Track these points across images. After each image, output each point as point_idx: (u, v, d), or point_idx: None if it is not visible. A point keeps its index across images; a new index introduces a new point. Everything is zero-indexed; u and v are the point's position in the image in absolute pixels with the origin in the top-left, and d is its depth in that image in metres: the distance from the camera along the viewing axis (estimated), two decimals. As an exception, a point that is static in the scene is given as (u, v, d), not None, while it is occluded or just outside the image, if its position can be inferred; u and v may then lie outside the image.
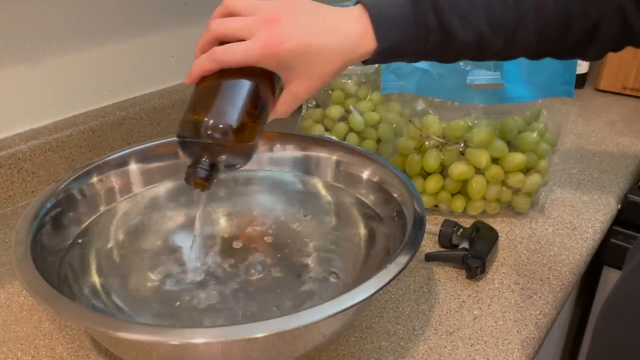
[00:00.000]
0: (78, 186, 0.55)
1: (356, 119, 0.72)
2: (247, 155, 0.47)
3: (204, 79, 0.46)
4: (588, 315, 0.85)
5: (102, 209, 0.56)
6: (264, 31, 0.44)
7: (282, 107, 0.48)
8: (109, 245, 0.55)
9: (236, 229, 0.61)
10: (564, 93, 0.64)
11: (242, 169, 0.62)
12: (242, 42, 0.44)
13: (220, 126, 0.43)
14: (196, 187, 0.45)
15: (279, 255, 0.58)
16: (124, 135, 0.78)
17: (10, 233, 0.65)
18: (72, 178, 0.54)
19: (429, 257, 0.59)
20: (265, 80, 0.46)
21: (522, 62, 0.62)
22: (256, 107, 0.45)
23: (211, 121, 0.43)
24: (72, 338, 0.50)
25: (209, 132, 0.43)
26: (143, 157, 0.60)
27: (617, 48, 0.51)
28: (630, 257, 0.48)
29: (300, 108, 0.78)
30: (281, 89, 0.48)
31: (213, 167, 0.45)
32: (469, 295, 0.55)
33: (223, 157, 0.45)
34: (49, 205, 0.51)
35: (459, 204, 0.66)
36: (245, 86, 0.45)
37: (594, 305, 0.83)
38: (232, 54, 0.44)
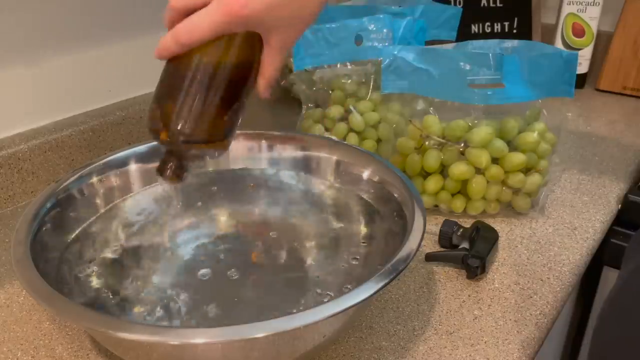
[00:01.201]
0: (78, 186, 0.55)
1: (356, 119, 0.72)
2: (222, 150, 0.44)
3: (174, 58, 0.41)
4: (588, 315, 0.85)
5: (102, 209, 0.56)
6: None
7: (268, 69, 0.42)
8: (109, 246, 0.55)
9: (237, 229, 0.61)
10: (564, 93, 0.64)
11: (242, 169, 0.63)
12: (202, 11, 0.38)
13: (187, 133, 0.40)
14: (169, 182, 0.44)
15: (280, 255, 0.58)
16: (124, 135, 0.78)
17: (10, 233, 0.65)
18: (72, 178, 0.54)
19: (429, 257, 0.59)
20: (242, 49, 0.40)
21: (522, 62, 0.62)
22: (230, 99, 0.41)
23: (178, 127, 0.40)
24: (72, 338, 0.50)
25: (177, 139, 0.40)
26: (143, 157, 0.60)
27: None
28: (630, 254, 0.48)
29: (300, 108, 0.78)
30: (260, 45, 0.42)
31: (183, 165, 0.43)
32: (469, 295, 0.55)
33: (194, 154, 0.43)
34: (49, 205, 0.51)
35: (459, 204, 0.66)
36: (215, 76, 0.40)
37: (594, 305, 0.83)
38: (195, 32, 0.38)
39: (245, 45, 0.41)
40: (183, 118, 0.40)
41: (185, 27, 0.39)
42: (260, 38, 0.41)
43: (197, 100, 0.40)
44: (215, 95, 0.40)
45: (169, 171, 0.43)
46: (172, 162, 0.43)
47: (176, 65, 0.40)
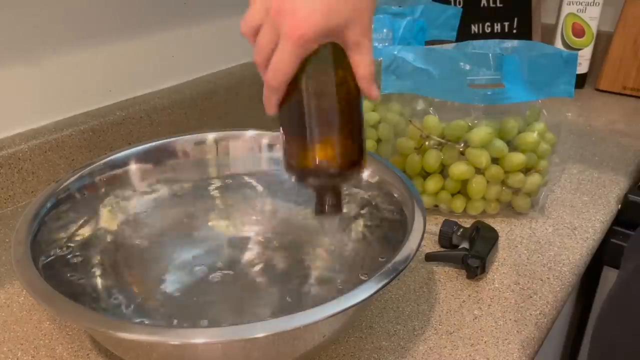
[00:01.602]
0: (78, 186, 0.55)
1: (356, 119, 0.72)
2: (362, 169, 0.44)
3: (282, 103, 0.42)
4: (588, 315, 0.85)
5: (102, 208, 0.56)
6: (282, 26, 0.38)
7: (360, 68, 0.41)
8: (110, 245, 0.55)
9: (237, 229, 0.61)
10: (564, 93, 0.64)
11: (241, 169, 0.63)
12: (276, 52, 0.39)
13: (328, 170, 0.41)
14: (333, 216, 0.44)
15: (280, 255, 0.58)
16: (124, 135, 0.78)
17: (10, 233, 0.65)
18: (72, 178, 0.54)
19: (429, 257, 0.59)
20: (331, 65, 0.40)
21: (522, 62, 0.62)
22: (346, 114, 0.41)
23: (318, 164, 0.41)
24: (72, 338, 0.50)
25: (322, 175, 0.41)
26: (143, 157, 0.60)
27: None
28: (629, 253, 0.48)
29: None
30: (343, 52, 0.41)
31: (338, 193, 0.44)
32: (469, 295, 0.55)
33: (341, 180, 0.43)
34: (49, 205, 0.51)
35: (459, 204, 0.66)
36: (322, 100, 0.40)
37: (594, 305, 0.83)
38: (278, 73, 0.39)
39: (329, 59, 0.41)
40: (317, 153, 0.41)
41: (270, 73, 0.40)
42: (338, 45, 0.41)
43: (322, 130, 0.40)
44: (333, 117, 0.41)
45: (329, 207, 0.43)
46: (327, 196, 0.43)
47: (286, 108, 0.41)
